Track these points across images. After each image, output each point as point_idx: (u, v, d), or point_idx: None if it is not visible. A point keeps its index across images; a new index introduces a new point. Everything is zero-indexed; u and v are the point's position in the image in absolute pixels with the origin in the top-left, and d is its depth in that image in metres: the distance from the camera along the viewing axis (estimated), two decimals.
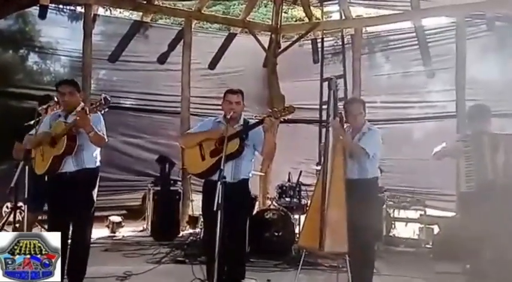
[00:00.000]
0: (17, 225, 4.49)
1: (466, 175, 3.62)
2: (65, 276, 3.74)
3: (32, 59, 6.87)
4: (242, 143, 3.55)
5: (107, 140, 3.71)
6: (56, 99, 4.06)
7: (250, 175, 3.78)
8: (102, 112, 3.43)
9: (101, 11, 6.86)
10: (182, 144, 4.12)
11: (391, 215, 6.00)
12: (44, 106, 4.19)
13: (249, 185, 3.79)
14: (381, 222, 5.63)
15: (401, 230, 5.95)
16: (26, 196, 3.18)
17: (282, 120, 3.47)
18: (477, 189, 3.55)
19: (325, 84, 5.12)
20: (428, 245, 5.63)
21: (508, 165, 3.52)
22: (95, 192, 3.76)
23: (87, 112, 3.41)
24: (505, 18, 6.00)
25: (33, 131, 3.78)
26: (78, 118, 3.42)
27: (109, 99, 3.37)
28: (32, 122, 4.32)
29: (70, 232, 3.71)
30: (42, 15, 6.33)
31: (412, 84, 6.94)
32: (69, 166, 3.61)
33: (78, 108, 3.56)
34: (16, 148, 4.40)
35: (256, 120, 3.52)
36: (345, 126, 3.81)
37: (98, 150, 3.75)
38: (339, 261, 3.97)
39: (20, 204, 4.27)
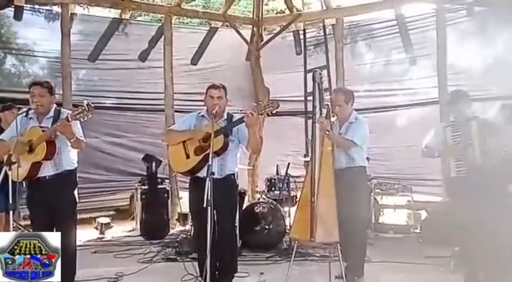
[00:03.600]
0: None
1: (456, 160, 3.65)
2: None
3: (9, 61, 6.70)
4: (226, 139, 3.52)
5: (85, 141, 3.64)
6: None
7: (236, 169, 3.76)
8: (86, 119, 3.32)
9: (78, 9, 6.68)
10: (166, 142, 4.07)
11: (379, 202, 6.06)
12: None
13: (236, 179, 3.77)
14: (369, 210, 5.68)
15: (390, 217, 6.00)
16: (10, 202, 3.08)
17: (266, 114, 3.42)
18: (467, 174, 3.59)
19: (309, 75, 5.13)
20: (416, 230, 5.72)
21: (495, 151, 3.56)
22: (76, 193, 3.74)
23: (70, 120, 3.32)
24: (483, 3, 6.06)
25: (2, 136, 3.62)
26: (60, 126, 3.34)
27: (92, 105, 3.29)
28: None
29: None
30: (18, 16, 6.18)
31: (394, 72, 7.00)
32: (49, 170, 3.53)
33: (63, 117, 3.41)
34: None
35: (240, 116, 3.48)
36: (333, 119, 3.84)
37: (75, 151, 3.68)
38: (331, 251, 3.99)
39: None
